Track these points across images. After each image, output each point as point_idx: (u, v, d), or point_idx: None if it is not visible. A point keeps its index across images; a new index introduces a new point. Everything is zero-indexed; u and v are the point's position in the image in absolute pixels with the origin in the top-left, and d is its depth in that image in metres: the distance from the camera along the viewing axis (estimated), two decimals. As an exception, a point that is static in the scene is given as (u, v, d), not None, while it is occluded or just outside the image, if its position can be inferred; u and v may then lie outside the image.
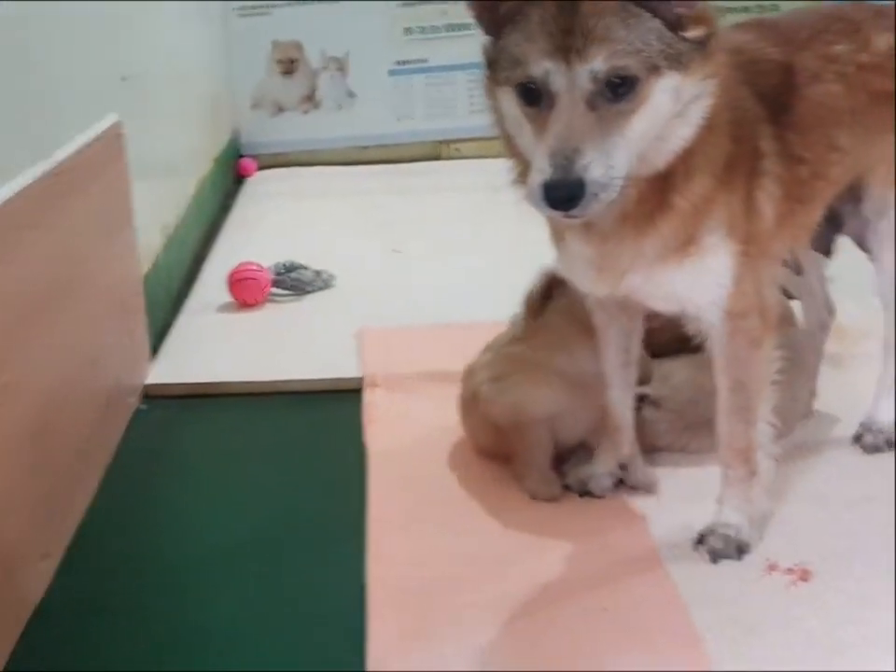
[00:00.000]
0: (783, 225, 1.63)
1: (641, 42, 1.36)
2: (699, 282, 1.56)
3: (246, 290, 2.83)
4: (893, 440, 1.92)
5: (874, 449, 1.92)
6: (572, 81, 1.34)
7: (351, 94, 4.60)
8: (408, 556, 1.68)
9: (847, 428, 1.99)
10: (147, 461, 2.10)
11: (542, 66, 1.35)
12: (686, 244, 1.52)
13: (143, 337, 2.45)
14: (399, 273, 3.15)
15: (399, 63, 4.56)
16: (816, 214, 1.75)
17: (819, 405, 2.09)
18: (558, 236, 1.61)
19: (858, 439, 1.95)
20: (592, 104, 1.35)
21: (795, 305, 2.12)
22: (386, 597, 1.57)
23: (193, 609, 1.63)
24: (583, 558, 1.66)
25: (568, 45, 1.34)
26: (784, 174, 1.60)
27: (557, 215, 1.38)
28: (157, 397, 2.34)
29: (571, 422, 1.87)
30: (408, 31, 4.53)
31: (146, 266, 2.59)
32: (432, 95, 4.56)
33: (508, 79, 1.40)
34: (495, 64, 1.44)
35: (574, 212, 1.35)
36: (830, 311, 2.10)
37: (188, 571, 1.73)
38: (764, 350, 1.63)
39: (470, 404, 1.97)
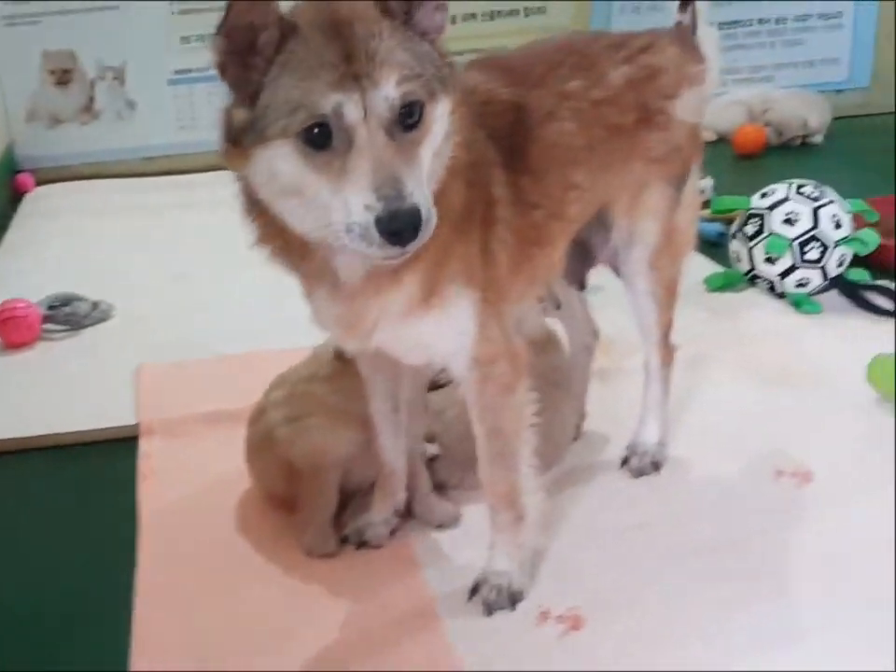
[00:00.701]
0: (521, 269, 1.55)
1: (419, 65, 1.24)
2: (444, 333, 1.46)
3: (13, 330, 2.56)
4: (658, 461, 1.89)
5: (639, 472, 1.87)
6: (369, 110, 1.20)
7: (131, 104, 4.30)
8: (175, 638, 1.52)
9: (617, 448, 1.95)
10: None
11: (333, 100, 1.19)
12: (429, 296, 1.41)
13: None
14: (184, 299, 2.91)
15: (178, 71, 4.28)
16: (557, 253, 1.67)
17: (588, 422, 2.05)
18: (308, 291, 1.48)
19: (625, 462, 1.90)
20: (390, 133, 1.21)
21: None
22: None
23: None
24: (361, 620, 1.54)
25: (356, 72, 1.20)
26: (517, 220, 1.51)
27: (391, 253, 1.21)
28: None
29: (366, 466, 1.75)
30: (185, 39, 4.25)
31: None
32: (216, 104, 4.29)
33: (285, 130, 1.21)
34: (254, 125, 1.23)
35: (410, 246, 1.20)
36: (593, 332, 2.05)
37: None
38: (518, 395, 1.53)
39: (261, 446, 1.79)
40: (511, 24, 4.32)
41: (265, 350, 2.40)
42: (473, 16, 4.29)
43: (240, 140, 1.25)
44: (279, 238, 1.37)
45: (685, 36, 1.83)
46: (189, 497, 1.90)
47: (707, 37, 1.83)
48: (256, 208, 1.36)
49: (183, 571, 1.68)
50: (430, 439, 1.87)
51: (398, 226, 1.18)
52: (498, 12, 4.33)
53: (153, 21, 4.21)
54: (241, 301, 2.83)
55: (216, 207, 3.85)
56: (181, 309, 2.83)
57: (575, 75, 1.63)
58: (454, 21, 4.17)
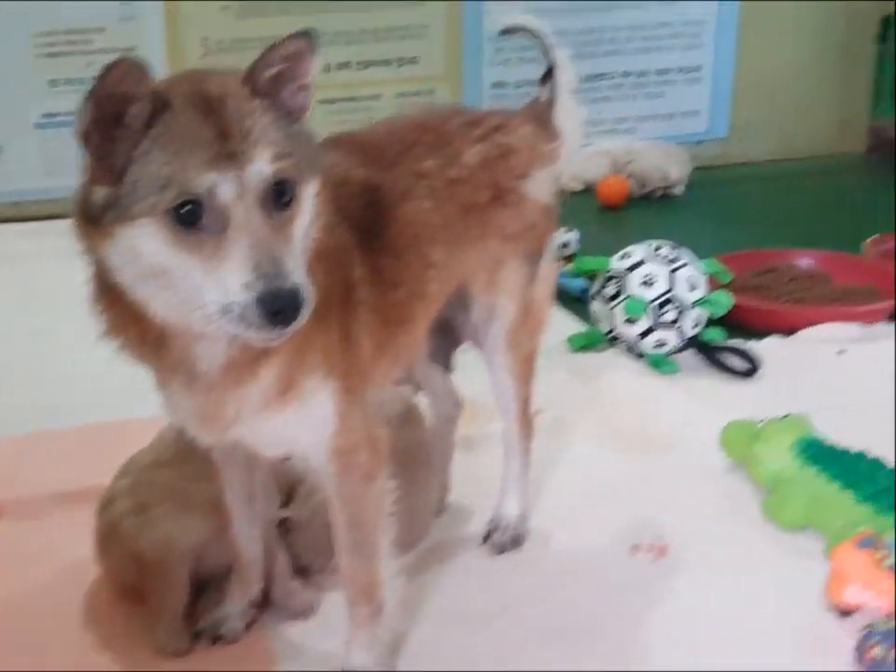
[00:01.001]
0: (384, 351, 1.50)
1: (290, 145, 1.20)
2: (304, 426, 1.40)
3: None
4: (520, 535, 1.85)
5: (501, 549, 1.83)
6: (244, 189, 1.14)
7: (-4, 148, 4.10)
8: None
9: (481, 520, 1.90)
10: None
11: (207, 178, 1.13)
12: (288, 388, 1.34)
13: None
14: (46, 358, 2.74)
15: (46, 115, 4.10)
16: (420, 332, 1.62)
17: (454, 493, 1.99)
18: (162, 384, 1.39)
19: (487, 537, 1.86)
20: (265, 211, 1.16)
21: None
22: None
23: None
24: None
25: (231, 150, 1.14)
26: (379, 301, 1.46)
27: (272, 335, 1.16)
28: None
29: (219, 552, 1.65)
30: (53, 83, 4.07)
31: None
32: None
33: (154, 208, 1.13)
34: (118, 202, 1.14)
35: (291, 327, 1.15)
36: (455, 404, 2.00)
37: None
38: (378, 484, 1.48)
39: (109, 538, 1.68)
40: (385, 73, 4.29)
41: (127, 419, 2.27)
42: (347, 64, 4.24)
43: (99, 218, 1.16)
44: (133, 327, 1.28)
45: (542, 113, 1.82)
46: (37, 586, 1.77)
47: (569, 113, 1.82)
48: (107, 296, 1.27)
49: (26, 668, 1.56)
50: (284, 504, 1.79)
51: (280, 305, 1.13)
52: (372, 61, 4.30)
53: (18, 64, 4.02)
54: (106, 360, 2.68)
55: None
56: (42, 370, 2.67)
57: (430, 154, 1.60)
58: (328, 69, 4.12)
